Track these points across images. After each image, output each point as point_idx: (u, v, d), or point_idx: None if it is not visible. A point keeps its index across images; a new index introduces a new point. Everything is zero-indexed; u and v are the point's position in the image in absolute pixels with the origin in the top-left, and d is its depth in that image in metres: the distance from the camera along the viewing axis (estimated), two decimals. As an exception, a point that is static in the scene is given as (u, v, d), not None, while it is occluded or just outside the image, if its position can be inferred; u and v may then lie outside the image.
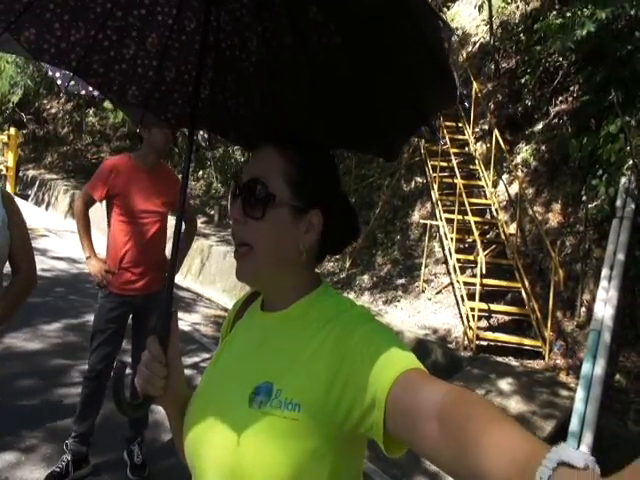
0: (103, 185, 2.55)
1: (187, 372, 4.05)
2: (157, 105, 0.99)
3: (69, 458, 2.57)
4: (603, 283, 4.46)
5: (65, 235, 9.36)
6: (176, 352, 0.82)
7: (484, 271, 5.09)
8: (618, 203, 4.86)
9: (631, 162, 4.69)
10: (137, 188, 2.57)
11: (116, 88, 0.95)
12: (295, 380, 0.70)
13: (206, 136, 1.04)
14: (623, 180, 4.88)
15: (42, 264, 6.89)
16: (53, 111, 16.22)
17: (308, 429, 0.67)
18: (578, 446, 3.48)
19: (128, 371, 0.87)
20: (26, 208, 11.38)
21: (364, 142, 1.03)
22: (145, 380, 0.79)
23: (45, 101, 16.15)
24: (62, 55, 0.90)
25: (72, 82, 0.98)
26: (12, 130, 12.84)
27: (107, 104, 12.37)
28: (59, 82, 1.01)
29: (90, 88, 0.95)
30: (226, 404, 0.74)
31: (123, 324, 2.65)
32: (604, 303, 4.33)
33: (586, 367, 3.97)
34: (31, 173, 13.74)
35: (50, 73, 1.02)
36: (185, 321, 5.62)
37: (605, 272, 4.52)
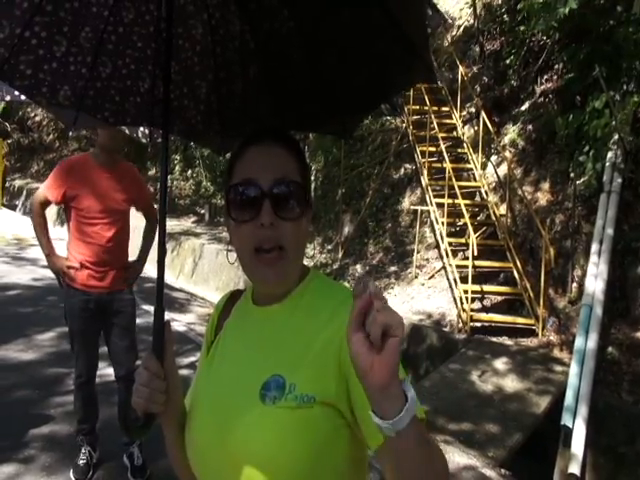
0: (60, 186, 2.46)
1: (183, 372, 4.03)
2: (92, 104, 0.93)
3: (88, 449, 2.63)
4: (593, 258, 4.47)
5: (54, 243, 9.26)
6: (172, 363, 0.80)
7: (476, 253, 5.09)
8: (605, 178, 4.85)
9: (617, 136, 4.67)
10: (94, 187, 2.48)
11: (46, 90, 0.88)
12: (308, 374, 0.70)
13: (146, 132, 1.01)
14: (609, 155, 4.86)
15: (33, 273, 6.85)
16: (37, 119, 16.04)
17: (324, 413, 0.69)
18: (574, 419, 3.50)
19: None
20: (14, 218, 11.30)
21: (317, 122, 1.01)
22: (146, 399, 0.76)
23: (29, 109, 15.97)
24: None
25: None
26: (-4, 141, 12.74)
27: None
28: None
29: (16, 92, 0.90)
30: (236, 405, 0.73)
31: (96, 322, 2.58)
32: (594, 277, 4.34)
33: (579, 342, 3.98)
34: (18, 183, 13.61)
35: None
36: (180, 321, 5.60)
37: (595, 247, 4.53)
